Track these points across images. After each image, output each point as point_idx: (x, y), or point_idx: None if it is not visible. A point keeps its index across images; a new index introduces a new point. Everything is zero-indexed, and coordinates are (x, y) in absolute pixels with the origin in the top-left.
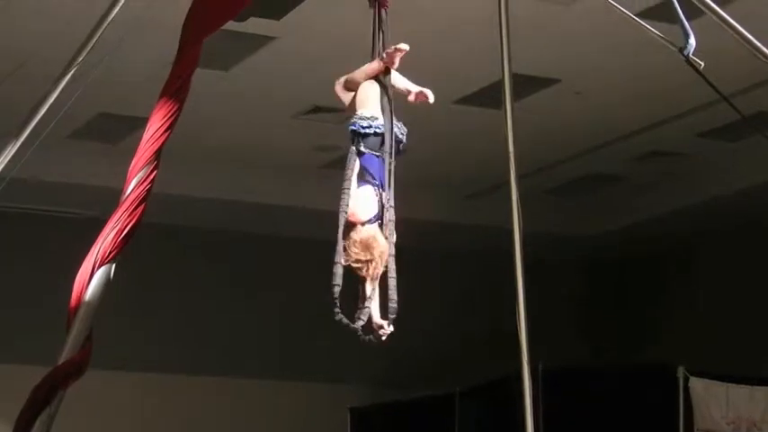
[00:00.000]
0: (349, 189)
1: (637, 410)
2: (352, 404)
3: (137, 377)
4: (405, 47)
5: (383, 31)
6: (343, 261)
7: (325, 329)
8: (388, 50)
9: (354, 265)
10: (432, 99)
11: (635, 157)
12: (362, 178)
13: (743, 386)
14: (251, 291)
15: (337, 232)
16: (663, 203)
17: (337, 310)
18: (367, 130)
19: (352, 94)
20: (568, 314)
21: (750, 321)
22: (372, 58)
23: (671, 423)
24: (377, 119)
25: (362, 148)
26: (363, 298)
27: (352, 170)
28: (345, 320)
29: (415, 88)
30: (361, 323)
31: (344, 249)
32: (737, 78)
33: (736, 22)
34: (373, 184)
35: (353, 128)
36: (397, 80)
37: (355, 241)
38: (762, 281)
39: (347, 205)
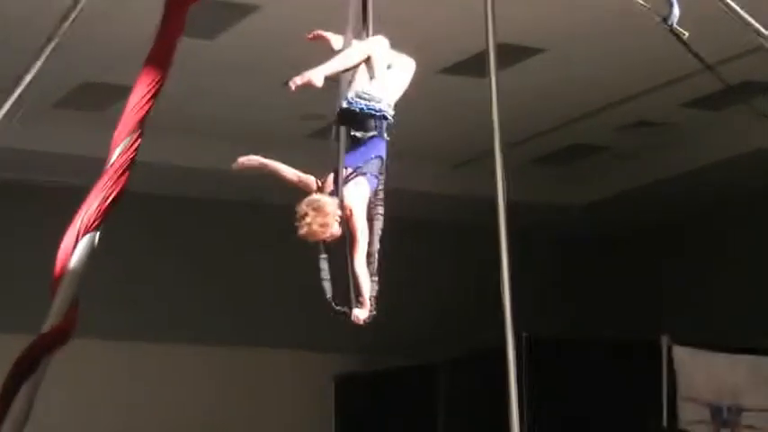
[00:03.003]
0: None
1: (621, 380)
2: (336, 372)
3: (115, 345)
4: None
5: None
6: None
7: (308, 297)
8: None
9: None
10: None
11: (620, 127)
12: None
13: (725, 354)
14: (235, 257)
15: None
16: (647, 173)
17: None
18: None
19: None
20: (553, 284)
21: (733, 291)
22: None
23: (655, 392)
24: None
25: None
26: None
27: None
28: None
29: None
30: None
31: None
32: (722, 47)
33: None
34: None
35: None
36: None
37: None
38: (746, 250)
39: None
